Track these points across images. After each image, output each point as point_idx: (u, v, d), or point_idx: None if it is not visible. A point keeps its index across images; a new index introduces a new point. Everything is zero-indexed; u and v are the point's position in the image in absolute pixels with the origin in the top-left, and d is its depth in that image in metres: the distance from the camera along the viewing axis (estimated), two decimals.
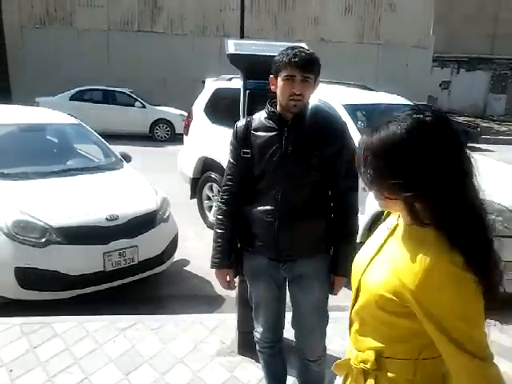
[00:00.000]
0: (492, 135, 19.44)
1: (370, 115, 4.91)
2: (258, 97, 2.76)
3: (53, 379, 2.80)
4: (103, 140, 5.43)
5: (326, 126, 2.14)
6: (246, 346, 3.02)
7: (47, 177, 4.38)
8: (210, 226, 6.27)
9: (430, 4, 21.90)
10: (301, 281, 2.22)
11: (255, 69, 2.75)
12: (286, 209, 2.10)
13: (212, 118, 6.36)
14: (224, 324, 3.47)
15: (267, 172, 2.11)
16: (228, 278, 2.31)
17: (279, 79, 2.03)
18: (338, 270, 2.23)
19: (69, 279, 3.75)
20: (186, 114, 10.63)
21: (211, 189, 6.32)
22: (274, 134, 2.10)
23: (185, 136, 6.98)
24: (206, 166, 6.38)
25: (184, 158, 6.93)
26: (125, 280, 4.05)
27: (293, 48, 2.04)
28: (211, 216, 6.35)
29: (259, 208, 2.15)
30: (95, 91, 15.01)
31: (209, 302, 4.23)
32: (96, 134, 5.51)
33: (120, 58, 18.47)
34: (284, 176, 2.08)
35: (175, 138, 13.80)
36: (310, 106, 2.14)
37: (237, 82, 4.93)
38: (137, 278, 4.15)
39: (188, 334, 3.40)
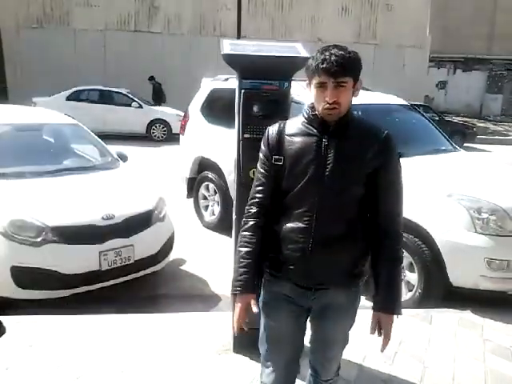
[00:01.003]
0: (488, 135, 19.52)
1: (366, 115, 4.92)
2: (253, 96, 2.79)
3: (48, 376, 2.81)
4: (100, 140, 5.43)
5: (371, 135, 1.87)
6: (241, 344, 3.04)
7: (44, 176, 4.39)
8: (206, 225, 6.31)
9: (426, 4, 21.95)
10: (329, 312, 1.95)
11: (250, 69, 2.77)
12: (323, 228, 1.81)
13: (208, 117, 6.38)
14: (220, 322, 3.49)
15: (301, 184, 1.82)
16: (249, 307, 1.83)
17: (312, 87, 1.81)
18: (385, 306, 1.87)
19: (65, 278, 3.75)
20: (182, 113, 10.67)
21: (207, 188, 6.34)
22: (312, 140, 1.83)
23: (181, 136, 7.00)
24: (203, 166, 6.40)
25: (180, 158, 6.94)
26: (121, 279, 4.06)
27: (323, 51, 1.78)
28: (207, 215, 6.38)
29: (289, 225, 1.85)
30: (92, 91, 14.99)
31: (205, 301, 4.25)
32: (93, 134, 5.51)
33: (117, 57, 18.45)
34: (322, 189, 1.80)
35: (172, 137, 13.79)
36: (352, 113, 1.87)
37: (233, 82, 4.94)
38: (133, 277, 4.16)
39: (184, 332, 3.42)
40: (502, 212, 3.92)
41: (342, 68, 1.72)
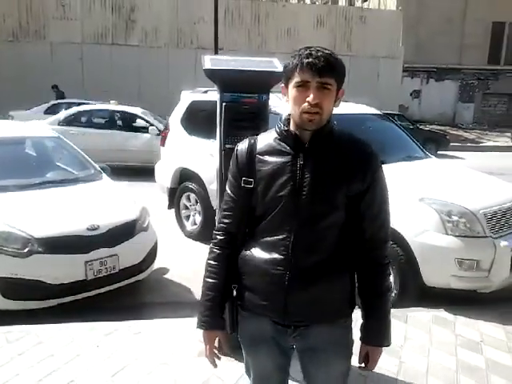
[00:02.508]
0: (461, 143, 20.05)
1: (340, 125, 5.11)
2: (234, 109, 2.95)
3: (39, 383, 2.89)
4: (82, 152, 5.51)
5: (353, 152, 1.66)
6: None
7: (28, 189, 4.46)
8: (188, 235, 6.41)
9: (398, 16, 22.59)
10: (317, 354, 1.75)
11: (231, 83, 2.94)
12: (300, 259, 1.63)
13: (188, 129, 6.52)
14: None
15: (275, 210, 1.64)
16: (217, 344, 1.78)
17: (290, 87, 1.59)
18: (373, 338, 1.75)
19: (51, 288, 3.83)
20: (161, 126, 10.72)
21: (189, 198, 6.46)
22: (286, 159, 1.63)
23: (162, 147, 7.11)
24: (184, 176, 6.52)
25: (161, 169, 7.06)
26: (106, 288, 4.15)
27: (307, 47, 1.59)
28: (189, 225, 6.49)
29: (264, 256, 1.67)
30: (70, 104, 14.97)
31: (189, 307, 4.31)
32: (75, 146, 5.59)
33: (95, 70, 18.49)
34: (298, 216, 1.62)
35: None
36: (333, 126, 1.68)
37: (212, 95, 5.09)
38: (118, 285, 4.25)
39: (170, 336, 3.52)
40: (471, 215, 4.14)
41: (329, 65, 1.54)
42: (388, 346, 1.78)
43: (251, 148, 1.71)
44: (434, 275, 4.14)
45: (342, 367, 1.79)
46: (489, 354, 3.43)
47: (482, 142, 21.12)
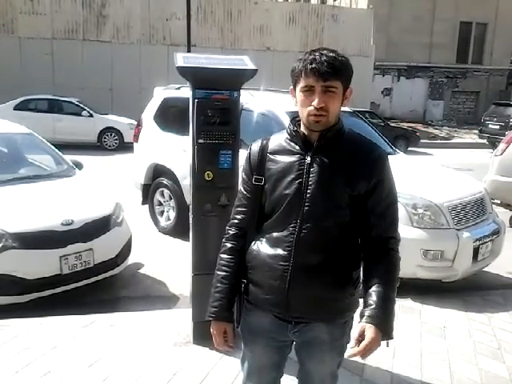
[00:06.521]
0: (431, 139, 20.52)
1: None
2: (206, 105, 3.04)
3: (17, 374, 2.93)
4: (55, 148, 5.51)
5: (360, 153, 1.70)
6: (200, 335, 3.24)
7: (1, 185, 4.44)
8: (162, 230, 6.46)
9: (369, 15, 22.90)
10: (312, 349, 1.80)
11: (203, 80, 3.03)
12: (303, 256, 1.66)
13: (162, 125, 6.56)
14: (179, 318, 3.69)
15: (282, 207, 1.69)
16: (225, 334, 1.80)
17: (297, 91, 1.66)
18: (377, 321, 1.63)
19: (26, 283, 3.85)
20: (134, 122, 10.72)
21: (162, 194, 6.51)
22: (294, 159, 1.69)
23: (135, 143, 7.13)
24: (157, 172, 6.57)
25: (135, 165, 7.08)
26: (81, 282, 4.19)
27: (312, 51, 1.64)
28: (163, 221, 6.53)
29: (269, 251, 1.72)
30: (41, 100, 14.81)
31: (164, 301, 4.42)
32: (47, 142, 5.58)
33: (65, 66, 18.23)
34: (302, 214, 1.66)
35: (124, 146, 13.83)
36: (342, 126, 1.73)
37: (185, 91, 5.15)
38: (93, 280, 4.29)
39: (145, 328, 3.59)
40: (435, 207, 4.33)
41: (333, 69, 1.59)
42: (390, 339, 1.68)
43: (263, 147, 1.77)
44: (401, 266, 4.29)
45: (336, 360, 1.84)
46: (451, 339, 3.61)
47: (450, 139, 21.63)
